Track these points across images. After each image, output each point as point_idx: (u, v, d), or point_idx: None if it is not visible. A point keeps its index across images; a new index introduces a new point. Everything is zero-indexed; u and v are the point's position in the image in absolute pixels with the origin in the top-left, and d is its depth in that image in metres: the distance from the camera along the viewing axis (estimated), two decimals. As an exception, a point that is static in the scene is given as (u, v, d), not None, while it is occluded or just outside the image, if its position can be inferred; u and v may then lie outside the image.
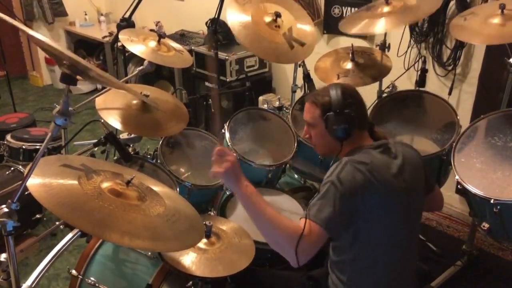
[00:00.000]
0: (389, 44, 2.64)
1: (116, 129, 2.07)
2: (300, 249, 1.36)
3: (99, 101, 2.04)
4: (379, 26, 2.29)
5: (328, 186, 1.45)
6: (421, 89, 2.52)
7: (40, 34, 1.21)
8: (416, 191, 1.61)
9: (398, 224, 1.56)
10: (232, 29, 2.37)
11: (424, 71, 2.52)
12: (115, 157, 2.17)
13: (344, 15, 3.40)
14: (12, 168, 2.87)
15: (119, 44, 2.45)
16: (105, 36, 5.09)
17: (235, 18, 2.37)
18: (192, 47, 4.06)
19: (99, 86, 4.76)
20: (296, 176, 2.96)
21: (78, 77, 1.29)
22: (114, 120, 1.97)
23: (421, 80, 2.52)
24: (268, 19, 2.47)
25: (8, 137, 3.13)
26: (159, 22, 4.88)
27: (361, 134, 1.64)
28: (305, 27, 2.59)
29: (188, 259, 1.65)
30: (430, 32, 2.96)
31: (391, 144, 1.63)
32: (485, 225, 1.96)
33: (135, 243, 1.27)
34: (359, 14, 2.49)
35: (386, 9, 2.36)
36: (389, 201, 1.51)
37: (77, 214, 1.22)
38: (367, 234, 1.51)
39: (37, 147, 3.05)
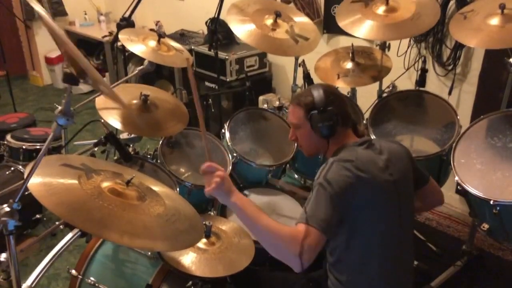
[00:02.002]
0: (389, 44, 2.65)
1: (116, 129, 2.07)
2: (303, 254, 1.35)
3: (99, 101, 2.04)
4: (362, 30, 2.31)
5: (317, 189, 1.46)
6: (421, 89, 2.52)
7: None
8: (405, 184, 1.62)
9: (390, 218, 1.57)
10: (238, 35, 2.42)
11: (424, 71, 2.51)
12: (115, 157, 2.17)
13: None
14: (12, 168, 2.87)
15: (119, 43, 2.45)
16: (105, 36, 5.09)
17: (239, 29, 2.43)
18: (192, 47, 4.06)
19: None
20: (296, 176, 2.96)
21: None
22: (114, 120, 1.97)
23: (421, 80, 2.52)
24: (269, 21, 2.51)
25: (8, 137, 3.12)
26: (159, 21, 4.87)
27: (345, 132, 1.66)
28: (306, 25, 2.62)
29: (188, 259, 1.66)
30: (430, 31, 2.95)
31: (375, 140, 1.66)
32: (485, 226, 1.96)
33: (134, 243, 1.27)
34: (358, 4, 2.47)
35: (381, 9, 2.36)
36: (378, 196, 1.52)
37: (76, 213, 1.22)
38: (360, 231, 1.51)
39: (37, 147, 3.04)
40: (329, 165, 1.51)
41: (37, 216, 2.88)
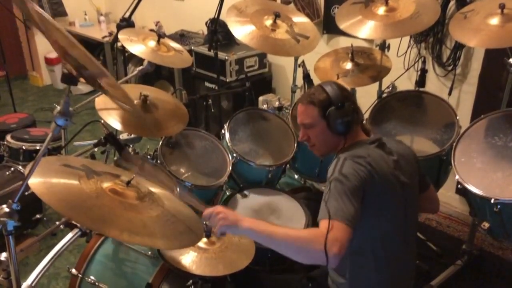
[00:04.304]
0: (389, 44, 2.65)
1: (116, 130, 2.07)
2: (328, 247, 1.29)
3: (99, 101, 2.04)
4: (365, 30, 2.31)
5: (335, 184, 1.43)
6: (421, 89, 2.52)
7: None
8: (411, 187, 1.63)
9: (396, 218, 1.57)
10: (239, 37, 2.41)
11: (424, 71, 2.51)
12: (115, 158, 2.16)
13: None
14: (12, 169, 2.87)
15: (119, 44, 2.45)
16: (105, 36, 5.09)
17: (239, 31, 2.42)
18: (192, 47, 4.06)
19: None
20: (296, 176, 2.96)
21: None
22: (114, 121, 1.97)
23: (421, 80, 2.52)
24: (268, 22, 2.51)
25: (8, 137, 3.12)
26: (158, 22, 4.88)
27: (357, 129, 1.65)
28: (305, 23, 2.63)
29: (188, 258, 1.66)
30: (429, 32, 2.96)
31: (385, 139, 1.65)
32: (485, 225, 1.96)
33: (134, 239, 1.27)
34: (358, 6, 2.47)
35: (382, 10, 2.36)
36: (387, 195, 1.52)
37: (77, 210, 1.23)
38: (366, 227, 1.50)
39: (37, 147, 3.05)
40: (342, 161, 1.49)
41: (37, 216, 2.89)
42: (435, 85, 3.06)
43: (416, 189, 1.68)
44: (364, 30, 2.31)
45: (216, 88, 3.59)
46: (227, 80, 3.79)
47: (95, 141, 2.05)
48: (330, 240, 1.30)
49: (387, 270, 1.59)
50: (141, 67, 2.40)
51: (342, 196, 1.40)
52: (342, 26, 2.40)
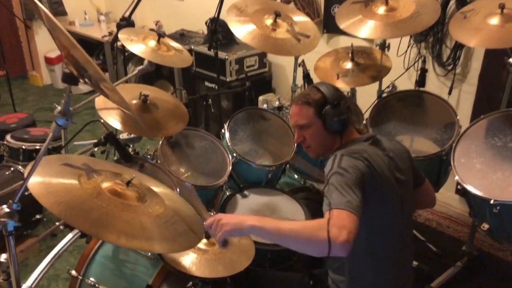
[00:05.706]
0: (389, 44, 2.65)
1: (116, 129, 2.07)
2: (333, 236, 1.24)
3: (99, 101, 2.04)
4: (365, 30, 2.31)
5: (335, 177, 1.40)
6: (421, 89, 2.52)
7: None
8: (407, 184, 1.63)
9: (393, 215, 1.57)
10: (240, 37, 2.41)
11: (424, 71, 2.51)
12: (115, 158, 2.16)
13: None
14: (12, 169, 2.87)
15: (119, 43, 2.44)
16: (104, 36, 5.09)
17: (240, 30, 2.42)
18: (192, 47, 4.06)
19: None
20: (296, 176, 2.96)
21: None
22: (114, 120, 1.97)
23: (421, 80, 2.51)
24: (269, 21, 2.50)
25: (8, 137, 3.12)
26: (158, 21, 4.88)
27: (351, 128, 1.66)
28: (305, 23, 2.63)
29: (188, 260, 1.65)
30: (429, 31, 2.95)
31: (378, 137, 1.66)
32: (485, 226, 1.96)
33: (131, 244, 1.25)
34: (358, 5, 2.46)
35: (382, 9, 2.36)
36: (385, 191, 1.52)
37: (74, 212, 1.22)
38: (364, 224, 1.47)
39: (37, 147, 3.05)
40: (339, 157, 1.48)
41: (37, 216, 2.88)
42: (435, 84, 3.05)
43: (411, 186, 1.68)
44: (364, 29, 2.31)
45: (216, 87, 3.59)
46: (227, 79, 3.79)
47: (95, 140, 2.05)
48: (336, 228, 1.25)
49: (385, 268, 1.59)
50: (141, 67, 2.39)
51: (343, 187, 1.36)
52: (342, 25, 2.40)
